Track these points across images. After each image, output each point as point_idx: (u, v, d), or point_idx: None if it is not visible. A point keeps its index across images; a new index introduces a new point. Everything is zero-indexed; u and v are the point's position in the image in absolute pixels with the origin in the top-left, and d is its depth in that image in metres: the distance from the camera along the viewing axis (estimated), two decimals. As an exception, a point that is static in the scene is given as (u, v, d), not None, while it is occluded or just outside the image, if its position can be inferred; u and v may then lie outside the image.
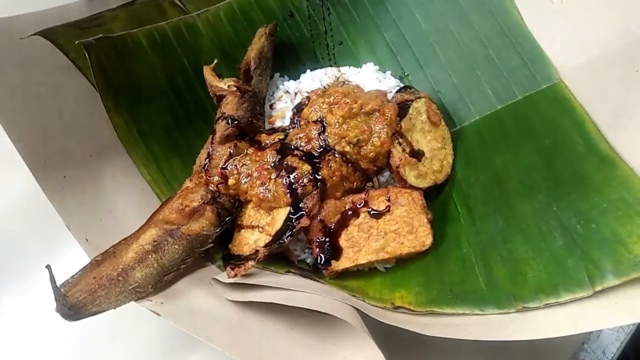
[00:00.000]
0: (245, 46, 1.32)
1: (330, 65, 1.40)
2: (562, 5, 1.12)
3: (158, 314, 0.96)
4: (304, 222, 1.06)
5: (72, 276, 1.01)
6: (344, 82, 1.31)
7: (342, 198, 1.11)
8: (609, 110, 1.02)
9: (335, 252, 1.08)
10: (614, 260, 0.85)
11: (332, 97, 1.16)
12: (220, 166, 1.14)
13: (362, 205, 1.10)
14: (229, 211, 1.14)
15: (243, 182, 1.12)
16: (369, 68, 1.34)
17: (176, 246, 1.07)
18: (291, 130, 1.19)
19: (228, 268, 1.02)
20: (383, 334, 0.89)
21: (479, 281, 0.96)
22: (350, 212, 1.10)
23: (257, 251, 1.03)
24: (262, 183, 1.10)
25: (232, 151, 1.15)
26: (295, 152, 1.12)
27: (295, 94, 1.31)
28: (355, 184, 1.13)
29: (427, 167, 1.14)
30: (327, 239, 1.09)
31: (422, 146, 1.15)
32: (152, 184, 1.22)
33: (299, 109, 1.21)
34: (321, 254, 1.08)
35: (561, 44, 1.14)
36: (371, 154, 1.12)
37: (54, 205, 1.02)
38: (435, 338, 0.87)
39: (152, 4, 1.31)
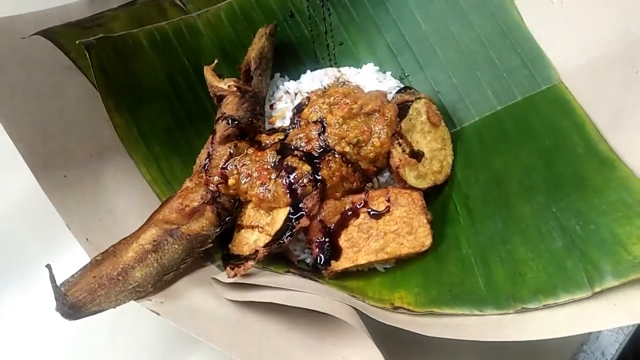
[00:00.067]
0: (245, 46, 1.32)
1: (331, 66, 1.40)
2: (562, 6, 1.12)
3: (158, 314, 0.96)
4: (304, 222, 1.06)
5: (72, 275, 1.01)
6: (344, 83, 1.31)
7: (342, 198, 1.12)
8: (608, 112, 1.03)
9: (334, 252, 1.08)
10: (613, 261, 0.85)
11: (332, 98, 1.16)
12: (220, 166, 1.14)
13: (361, 205, 1.10)
14: (229, 211, 1.14)
15: (243, 182, 1.12)
16: (369, 68, 1.34)
17: (176, 246, 1.07)
18: (291, 130, 1.19)
19: (228, 268, 1.03)
20: (382, 334, 0.89)
21: (478, 282, 0.96)
22: (350, 213, 1.10)
23: (256, 251, 1.04)
24: (262, 183, 1.10)
25: (232, 151, 1.15)
26: (295, 152, 1.12)
27: (296, 94, 1.31)
28: (355, 184, 1.13)
29: (427, 168, 1.14)
30: (326, 239, 1.09)
31: (422, 147, 1.15)
32: (152, 184, 1.22)
33: (299, 110, 1.21)
34: (321, 254, 1.08)
35: (561, 45, 1.14)
36: (371, 155, 1.12)
37: (54, 205, 1.02)
38: (434, 338, 0.87)
39: (152, 4, 1.31)
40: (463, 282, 0.98)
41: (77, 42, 1.11)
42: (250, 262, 1.01)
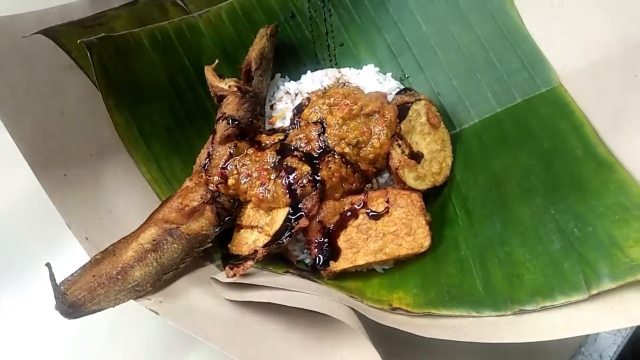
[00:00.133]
0: (246, 46, 1.32)
1: (331, 67, 1.40)
2: (562, 9, 1.13)
3: (157, 313, 0.96)
4: (303, 222, 1.06)
5: (72, 274, 1.01)
6: (344, 84, 1.31)
7: (341, 199, 1.12)
8: (607, 115, 1.03)
9: (333, 252, 1.09)
10: (610, 263, 0.85)
11: (332, 99, 1.17)
12: (220, 166, 1.14)
13: (361, 206, 1.10)
14: (229, 211, 1.14)
15: (243, 182, 1.12)
16: (370, 69, 1.34)
17: (175, 245, 1.07)
18: (291, 131, 1.19)
19: (227, 268, 1.03)
20: (380, 335, 0.89)
21: (476, 283, 0.97)
22: (349, 213, 1.10)
23: (256, 251, 1.04)
24: (261, 183, 1.11)
25: (232, 151, 1.15)
26: (295, 152, 1.13)
27: (296, 94, 1.31)
28: (354, 185, 1.13)
29: (426, 169, 1.14)
30: (325, 240, 1.09)
31: (421, 148, 1.15)
32: (152, 183, 1.22)
33: (299, 110, 1.21)
34: (320, 255, 1.09)
35: (561, 48, 1.14)
36: (370, 156, 1.12)
37: (54, 204, 1.03)
38: (432, 340, 0.87)
39: (154, 3, 1.32)
40: (461, 284, 0.98)
41: (78, 42, 1.11)
42: (250, 262, 1.01)
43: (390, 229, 1.07)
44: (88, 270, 1.02)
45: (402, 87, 1.30)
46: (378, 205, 1.10)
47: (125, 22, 1.26)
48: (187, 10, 1.36)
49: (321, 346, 0.93)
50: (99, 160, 1.16)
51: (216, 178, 1.13)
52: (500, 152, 1.13)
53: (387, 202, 1.09)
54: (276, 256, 1.14)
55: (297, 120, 1.20)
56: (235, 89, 1.20)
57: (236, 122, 1.17)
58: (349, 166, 1.12)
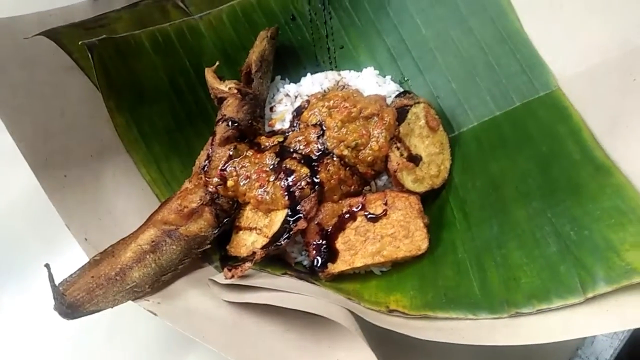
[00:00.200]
0: (246, 49, 1.32)
1: (331, 69, 1.40)
2: (561, 13, 1.13)
3: (155, 314, 0.96)
4: (301, 224, 1.07)
5: (71, 275, 1.02)
6: (344, 86, 1.31)
7: (340, 201, 1.12)
8: (605, 119, 1.03)
9: (331, 254, 1.09)
10: (606, 267, 0.86)
11: (332, 101, 1.17)
12: (220, 168, 1.14)
13: (359, 208, 1.11)
14: (227, 213, 1.14)
15: (242, 184, 1.13)
16: (369, 72, 1.35)
17: (174, 247, 1.07)
18: (290, 133, 1.19)
19: (225, 269, 1.03)
20: (377, 337, 0.90)
21: (473, 286, 0.97)
22: (347, 216, 1.11)
23: (254, 253, 1.04)
24: (260, 185, 1.11)
25: (231, 153, 1.15)
26: (294, 155, 1.13)
27: (296, 97, 1.32)
28: (352, 187, 1.14)
29: (425, 172, 1.14)
30: (324, 242, 1.09)
31: (420, 151, 1.16)
32: (152, 184, 1.22)
33: (298, 112, 1.22)
34: (318, 257, 1.09)
35: (560, 52, 1.15)
36: (369, 158, 1.12)
37: (54, 204, 1.03)
38: (428, 342, 0.87)
39: (155, 5, 1.32)
40: (458, 286, 0.99)
41: (79, 43, 1.11)
42: (248, 264, 1.02)
43: (388, 231, 1.08)
44: (87, 271, 1.03)
45: (402, 90, 1.30)
46: (376, 208, 1.10)
47: (127, 23, 1.26)
48: (188, 12, 1.36)
49: (318, 348, 0.93)
50: (99, 161, 1.16)
51: (215, 180, 1.14)
52: (499, 155, 1.14)
53: (386, 204, 1.10)
54: (274, 258, 1.14)
55: (296, 123, 1.21)
56: (236, 91, 1.21)
57: (236, 124, 1.18)
58: (347, 168, 1.13)
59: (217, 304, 1.00)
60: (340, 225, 1.10)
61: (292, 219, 1.08)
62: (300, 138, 1.15)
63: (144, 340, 1.23)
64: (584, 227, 0.93)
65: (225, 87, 1.22)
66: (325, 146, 1.13)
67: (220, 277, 1.03)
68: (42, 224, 1.18)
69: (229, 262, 1.10)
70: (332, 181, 1.10)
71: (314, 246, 1.09)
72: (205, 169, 1.15)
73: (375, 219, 1.09)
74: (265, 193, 1.10)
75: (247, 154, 1.16)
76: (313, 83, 1.33)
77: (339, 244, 1.09)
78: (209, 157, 1.16)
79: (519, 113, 1.18)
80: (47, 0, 1.19)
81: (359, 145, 1.12)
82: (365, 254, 1.07)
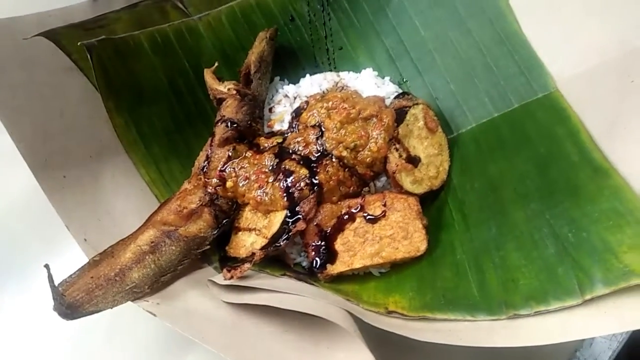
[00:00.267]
0: (246, 50, 1.32)
1: (330, 70, 1.40)
2: (559, 15, 1.13)
3: (154, 315, 0.97)
4: (300, 225, 1.07)
5: (70, 275, 1.02)
6: (342, 87, 1.32)
7: (339, 202, 1.12)
8: (604, 120, 1.03)
9: (330, 256, 1.09)
10: (604, 269, 0.86)
11: (331, 102, 1.17)
12: (219, 168, 1.14)
13: (358, 210, 1.11)
14: (227, 213, 1.15)
15: (241, 184, 1.13)
16: (368, 73, 1.35)
17: (173, 247, 1.08)
18: (289, 134, 1.19)
19: (224, 270, 1.04)
20: (376, 338, 0.90)
21: (472, 287, 0.97)
22: (346, 217, 1.11)
23: (253, 254, 1.04)
24: (259, 186, 1.11)
25: (230, 154, 1.16)
26: (293, 156, 1.13)
27: (295, 98, 1.32)
28: (351, 188, 1.14)
29: (423, 173, 1.15)
30: (322, 243, 1.09)
31: (418, 152, 1.16)
32: (151, 185, 1.22)
33: (297, 113, 1.22)
34: (317, 258, 1.09)
35: (558, 53, 1.15)
36: (368, 159, 1.12)
37: (53, 205, 1.03)
38: (427, 343, 0.87)
39: (154, 6, 1.32)
40: (457, 287, 0.99)
41: (79, 44, 1.12)
42: (247, 265, 1.02)
43: (387, 232, 1.08)
44: (86, 271, 1.03)
45: (400, 91, 1.30)
46: (375, 209, 1.10)
47: (126, 24, 1.26)
48: (187, 13, 1.36)
49: (317, 349, 0.93)
50: (98, 161, 1.16)
51: (214, 180, 1.14)
52: (497, 156, 1.14)
53: (384, 205, 1.10)
54: (273, 259, 1.14)
55: (295, 124, 1.21)
56: (235, 92, 1.21)
57: (235, 125, 1.18)
58: (346, 170, 1.13)
59: (216, 305, 1.01)
60: (339, 226, 1.10)
61: (291, 220, 1.08)
62: (299, 139, 1.16)
63: (143, 341, 1.23)
64: (582, 228, 0.93)
65: (224, 88, 1.22)
66: (324, 147, 1.13)
67: (220, 278, 1.03)
68: (42, 224, 1.18)
69: (228, 263, 1.10)
70: (331, 182, 1.11)
71: (312, 247, 1.09)
72: (205, 169, 1.16)
73: (374, 220, 1.09)
74: (264, 194, 1.10)
75: (246, 154, 1.16)
76: (312, 84, 1.33)
77: (338, 245, 1.09)
78: (208, 157, 1.16)
79: (517, 114, 1.18)
80: (46, 1, 1.18)
81: (357, 146, 1.13)
82: (364, 255, 1.07)
